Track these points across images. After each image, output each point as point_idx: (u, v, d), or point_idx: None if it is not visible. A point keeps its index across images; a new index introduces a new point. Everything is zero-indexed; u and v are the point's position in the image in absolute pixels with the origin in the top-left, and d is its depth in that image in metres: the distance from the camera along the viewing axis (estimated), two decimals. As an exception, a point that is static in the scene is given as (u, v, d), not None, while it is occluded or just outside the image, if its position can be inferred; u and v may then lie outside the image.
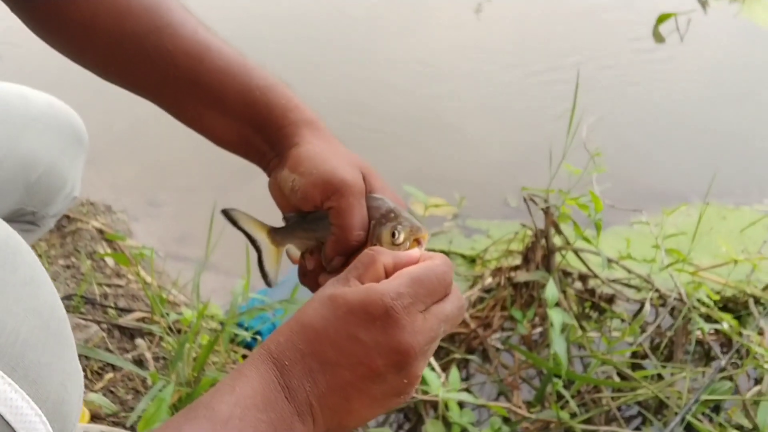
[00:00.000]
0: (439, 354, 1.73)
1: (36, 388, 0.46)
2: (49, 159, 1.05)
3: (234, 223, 0.81)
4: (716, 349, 1.71)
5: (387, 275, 0.61)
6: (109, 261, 1.93)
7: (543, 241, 1.67)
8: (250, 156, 0.80)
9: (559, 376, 1.48)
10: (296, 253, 0.81)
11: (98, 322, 1.62)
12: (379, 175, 0.76)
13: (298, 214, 0.77)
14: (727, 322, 1.62)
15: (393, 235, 0.69)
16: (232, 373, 0.56)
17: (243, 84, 0.76)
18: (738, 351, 1.66)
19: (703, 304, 1.70)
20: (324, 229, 0.75)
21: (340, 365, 0.56)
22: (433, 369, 1.57)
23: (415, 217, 0.73)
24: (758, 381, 1.65)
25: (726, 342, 1.77)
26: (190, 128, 0.82)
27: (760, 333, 1.68)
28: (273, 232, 0.80)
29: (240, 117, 0.77)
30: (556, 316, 1.39)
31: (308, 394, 0.55)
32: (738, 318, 1.76)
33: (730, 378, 1.55)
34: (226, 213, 0.81)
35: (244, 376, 0.55)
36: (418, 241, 0.70)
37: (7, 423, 0.44)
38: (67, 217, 2.05)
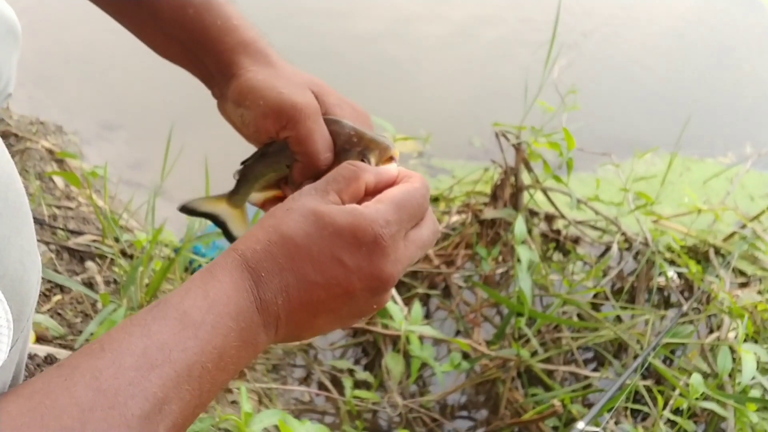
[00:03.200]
0: (401, 289, 1.71)
1: None
2: None
3: (194, 212, 0.77)
4: (677, 296, 1.71)
5: (367, 192, 0.60)
6: (59, 183, 1.84)
7: (512, 179, 1.63)
8: (196, 75, 0.75)
9: (521, 315, 1.46)
10: (258, 197, 0.77)
11: (47, 243, 1.55)
12: (333, 90, 0.72)
13: (249, 160, 0.74)
14: (691, 267, 1.62)
15: (363, 162, 0.66)
16: (202, 275, 0.53)
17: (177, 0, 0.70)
18: (698, 299, 1.66)
19: (668, 248, 1.69)
20: (287, 157, 0.71)
21: (317, 284, 0.54)
22: (395, 303, 1.54)
23: (379, 132, 0.70)
24: (712, 330, 1.66)
25: (687, 289, 1.77)
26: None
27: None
28: (231, 198, 0.76)
29: (176, 36, 0.71)
30: (524, 253, 1.36)
31: (279, 308, 0.54)
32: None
33: (691, 322, 1.55)
34: (183, 209, 0.77)
35: (216, 281, 0.52)
36: (391, 158, 0.67)
37: None
38: (15, 135, 1.95)
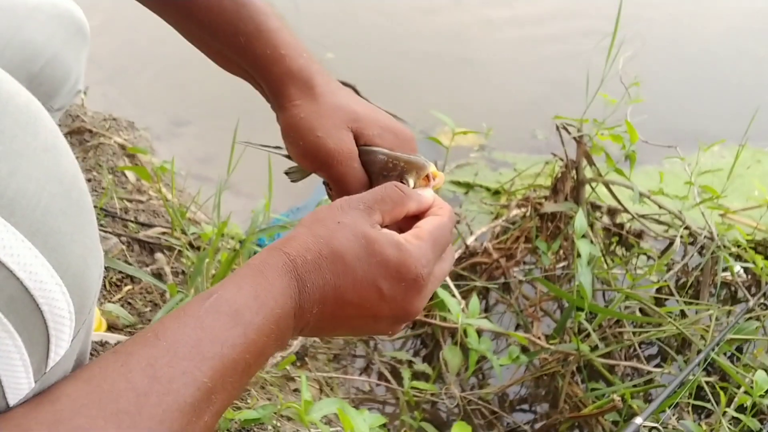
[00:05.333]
0: (459, 282, 1.71)
1: (56, 256, 0.43)
2: (52, 49, 1.02)
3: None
4: (743, 291, 1.67)
5: (405, 217, 0.65)
6: (131, 177, 1.91)
7: (573, 172, 1.62)
8: (258, 91, 0.80)
9: (581, 309, 1.45)
10: None
11: (118, 235, 1.61)
12: (376, 118, 0.74)
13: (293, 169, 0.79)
14: (758, 262, 1.58)
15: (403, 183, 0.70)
16: (254, 273, 0.55)
17: (231, 27, 0.74)
18: (766, 294, 1.62)
19: (735, 243, 1.66)
20: (326, 184, 0.76)
21: (351, 303, 0.58)
22: (453, 296, 1.55)
23: (416, 153, 0.73)
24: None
25: (754, 284, 1.73)
26: None
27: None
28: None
29: (232, 60, 0.76)
30: (584, 247, 1.35)
31: (311, 317, 0.57)
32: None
33: (758, 319, 1.51)
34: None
35: (268, 284, 0.54)
36: (427, 177, 0.71)
37: (26, 289, 0.41)
38: (90, 131, 2.03)
